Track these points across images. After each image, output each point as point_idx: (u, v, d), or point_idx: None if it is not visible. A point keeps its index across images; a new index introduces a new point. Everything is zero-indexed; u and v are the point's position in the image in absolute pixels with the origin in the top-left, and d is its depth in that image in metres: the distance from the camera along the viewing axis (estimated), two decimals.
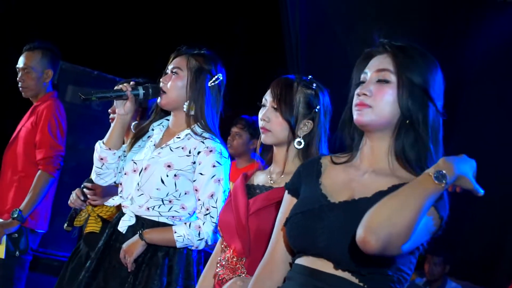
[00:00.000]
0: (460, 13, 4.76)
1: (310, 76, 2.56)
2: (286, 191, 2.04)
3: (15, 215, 4.14)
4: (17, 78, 4.42)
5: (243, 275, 2.43)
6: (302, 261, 1.88)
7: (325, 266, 1.82)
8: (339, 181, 1.92)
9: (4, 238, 4.17)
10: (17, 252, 4.21)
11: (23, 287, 4.34)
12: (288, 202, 2.01)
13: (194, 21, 6.53)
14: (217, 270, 2.52)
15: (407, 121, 1.85)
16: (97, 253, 2.95)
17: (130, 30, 6.72)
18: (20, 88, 4.44)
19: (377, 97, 1.86)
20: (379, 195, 1.78)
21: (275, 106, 2.50)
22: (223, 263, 2.49)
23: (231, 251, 2.48)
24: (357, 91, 1.89)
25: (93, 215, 3.49)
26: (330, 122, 2.55)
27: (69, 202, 3.52)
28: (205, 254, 3.06)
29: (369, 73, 1.90)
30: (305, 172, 2.01)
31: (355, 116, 1.89)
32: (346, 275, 1.79)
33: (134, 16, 6.75)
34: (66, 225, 3.71)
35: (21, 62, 4.40)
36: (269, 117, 2.51)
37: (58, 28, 6.64)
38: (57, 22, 6.66)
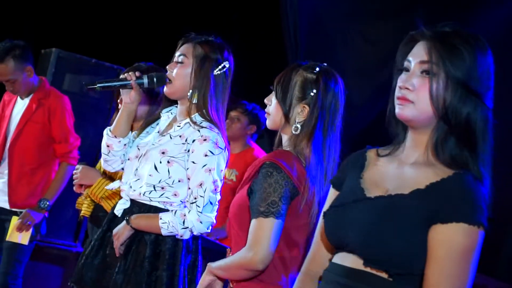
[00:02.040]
0: (460, 6, 4.73)
1: (324, 64, 2.47)
2: (331, 186, 1.98)
3: (45, 205, 4.34)
4: (6, 89, 4.51)
5: None
6: (337, 258, 1.85)
7: (355, 262, 1.79)
8: (380, 174, 1.86)
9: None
10: (39, 236, 4.44)
11: (22, 271, 4.43)
12: (331, 196, 1.96)
13: (191, 7, 6.51)
14: None
15: (445, 116, 1.75)
16: (98, 238, 2.97)
17: (128, 18, 6.70)
18: (15, 94, 4.54)
19: (419, 92, 1.76)
20: (417, 194, 1.74)
21: (274, 89, 2.48)
22: None
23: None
24: (400, 83, 1.79)
25: (88, 200, 3.53)
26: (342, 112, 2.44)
27: (74, 188, 3.55)
28: (203, 242, 3.06)
29: (412, 63, 1.79)
30: (350, 165, 1.95)
31: (396, 110, 1.80)
32: (375, 272, 1.75)
33: (132, 3, 6.73)
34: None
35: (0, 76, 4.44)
36: (271, 100, 2.49)
37: (55, 17, 6.62)
38: (54, 10, 6.64)
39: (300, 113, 2.41)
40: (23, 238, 4.31)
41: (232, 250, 2.44)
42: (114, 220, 2.96)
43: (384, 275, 1.74)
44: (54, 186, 4.42)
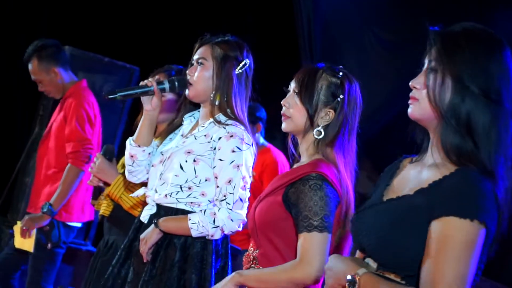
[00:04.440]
0: (474, 10, 4.70)
1: (340, 67, 2.47)
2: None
3: (45, 209, 4.20)
4: (38, 89, 4.52)
5: (255, 266, 2.41)
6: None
7: (373, 266, 1.80)
8: (404, 179, 1.87)
9: (34, 232, 4.20)
10: (49, 245, 4.26)
11: (53, 280, 4.38)
12: None
13: (205, 9, 6.50)
14: None
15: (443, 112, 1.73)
16: (125, 247, 2.93)
17: (141, 17, 6.70)
18: (48, 95, 4.56)
19: (423, 90, 1.78)
20: (420, 193, 1.73)
21: (296, 91, 2.44)
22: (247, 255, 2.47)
23: (251, 243, 2.48)
24: (410, 83, 1.81)
25: (107, 199, 3.52)
26: (359, 115, 2.45)
27: (88, 182, 3.53)
28: (232, 249, 3.04)
29: (425, 64, 1.81)
30: (384, 174, 1.96)
31: (408, 110, 1.82)
32: (387, 274, 1.75)
33: (145, 3, 6.73)
34: (92, 199, 3.75)
35: (31, 75, 4.47)
36: (289, 102, 2.45)
37: (68, 15, 6.63)
38: (68, 8, 6.65)
39: (324, 117, 2.41)
40: (27, 244, 4.23)
41: (259, 256, 2.40)
42: (140, 228, 2.90)
43: (395, 277, 1.74)
44: (60, 189, 4.24)
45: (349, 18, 5.32)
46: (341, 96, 2.40)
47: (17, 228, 4.26)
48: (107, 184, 3.41)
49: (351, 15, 5.31)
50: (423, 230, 1.68)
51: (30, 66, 4.44)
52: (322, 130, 2.40)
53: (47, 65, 4.41)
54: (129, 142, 2.95)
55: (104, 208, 3.52)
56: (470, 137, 1.71)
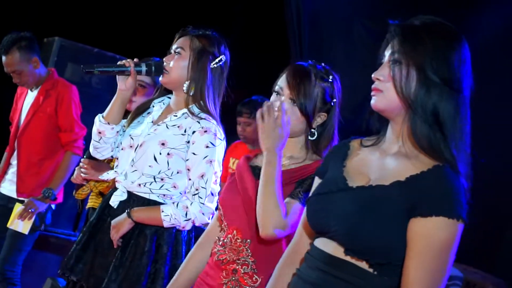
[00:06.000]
0: (460, 1, 4.71)
1: (323, 64, 2.51)
2: (316, 176, 2.04)
3: (49, 194, 4.38)
4: (13, 80, 4.56)
5: (248, 257, 2.42)
6: (319, 242, 1.89)
7: (336, 250, 1.82)
8: (363, 164, 1.91)
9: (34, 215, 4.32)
10: (43, 226, 4.46)
11: (23, 260, 4.50)
12: (315, 185, 2.01)
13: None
14: (215, 250, 2.50)
15: (410, 103, 1.78)
16: (90, 227, 2.98)
17: (130, 8, 6.69)
18: (23, 85, 4.62)
19: (388, 82, 1.82)
20: (397, 185, 1.77)
21: (294, 99, 2.45)
22: (224, 243, 2.47)
23: (234, 232, 2.47)
24: (372, 75, 1.85)
25: (95, 191, 3.53)
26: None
27: (71, 178, 3.55)
28: (196, 233, 3.07)
29: (386, 56, 1.85)
30: (333, 155, 2.00)
31: (371, 102, 1.86)
32: (355, 261, 1.78)
33: None
34: (74, 192, 3.77)
35: (6, 67, 4.52)
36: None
37: (58, 5, 6.61)
38: None
39: (317, 119, 2.48)
40: (24, 227, 4.34)
41: (253, 246, 2.41)
42: (107, 210, 2.96)
43: (364, 264, 1.77)
44: (59, 175, 4.48)
45: (339, 9, 5.33)
46: (334, 100, 2.48)
47: (17, 210, 4.36)
48: (88, 180, 3.44)
49: (341, 6, 5.32)
50: (397, 221, 1.73)
51: (7, 58, 4.49)
52: (315, 132, 2.48)
53: (28, 55, 4.49)
54: (99, 118, 3.00)
55: (94, 200, 3.55)
56: (438, 125, 1.77)
